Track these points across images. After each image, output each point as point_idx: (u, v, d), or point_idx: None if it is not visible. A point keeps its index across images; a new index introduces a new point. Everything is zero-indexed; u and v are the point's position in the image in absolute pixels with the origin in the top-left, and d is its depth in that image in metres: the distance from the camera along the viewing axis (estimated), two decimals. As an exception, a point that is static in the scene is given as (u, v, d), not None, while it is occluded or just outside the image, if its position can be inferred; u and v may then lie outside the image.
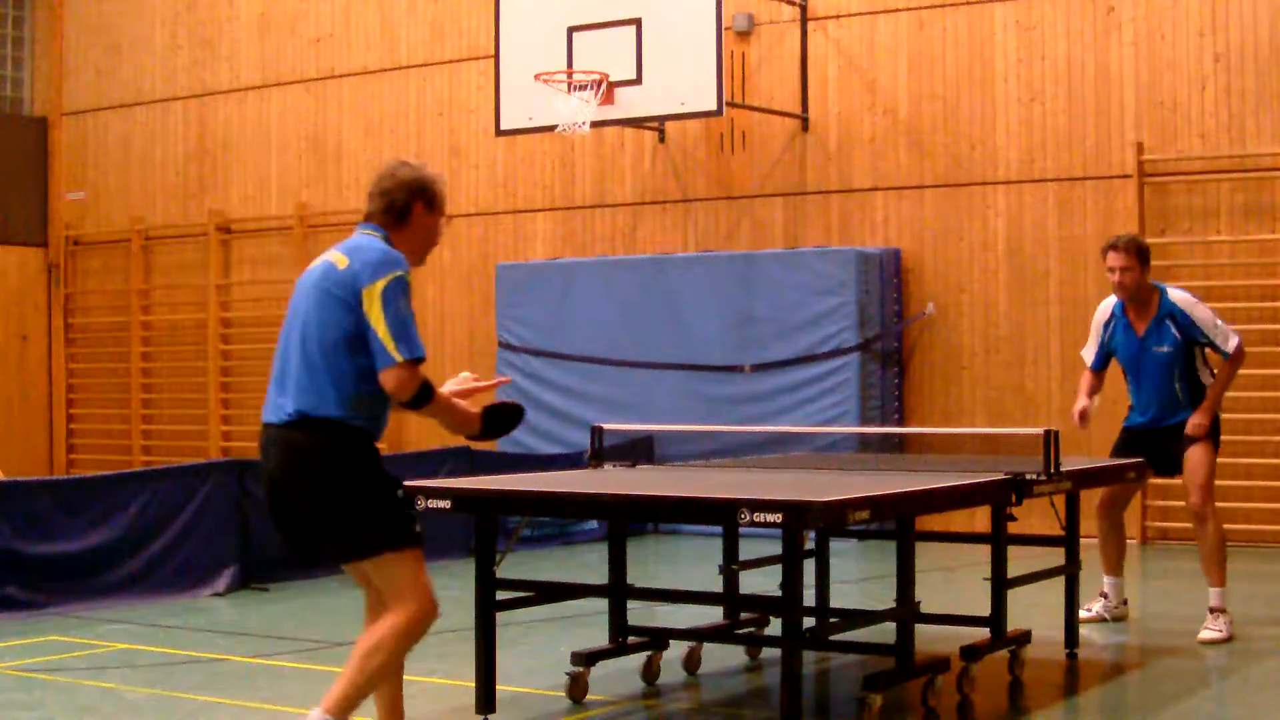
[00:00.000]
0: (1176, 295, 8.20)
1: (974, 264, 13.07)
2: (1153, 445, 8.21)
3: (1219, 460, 8.37)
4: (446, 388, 5.17)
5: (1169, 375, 8.13)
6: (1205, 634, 7.93)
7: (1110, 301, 8.35)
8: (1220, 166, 12.23)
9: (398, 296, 4.91)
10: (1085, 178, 12.66)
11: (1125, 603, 8.56)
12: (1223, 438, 8.18)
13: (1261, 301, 12.03)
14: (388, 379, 4.84)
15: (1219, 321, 8.16)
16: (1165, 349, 8.09)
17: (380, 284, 4.90)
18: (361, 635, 5.05)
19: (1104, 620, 8.41)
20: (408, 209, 5.17)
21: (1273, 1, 12.06)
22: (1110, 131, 12.56)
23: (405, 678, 5.29)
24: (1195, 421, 8.09)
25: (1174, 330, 8.08)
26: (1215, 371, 8.23)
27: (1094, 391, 8.39)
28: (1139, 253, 8.12)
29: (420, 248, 5.24)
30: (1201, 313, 8.12)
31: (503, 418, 5.22)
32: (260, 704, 6.56)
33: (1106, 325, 8.34)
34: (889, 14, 13.43)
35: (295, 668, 7.44)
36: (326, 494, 4.91)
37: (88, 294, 18.27)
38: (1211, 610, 8.01)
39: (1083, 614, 8.25)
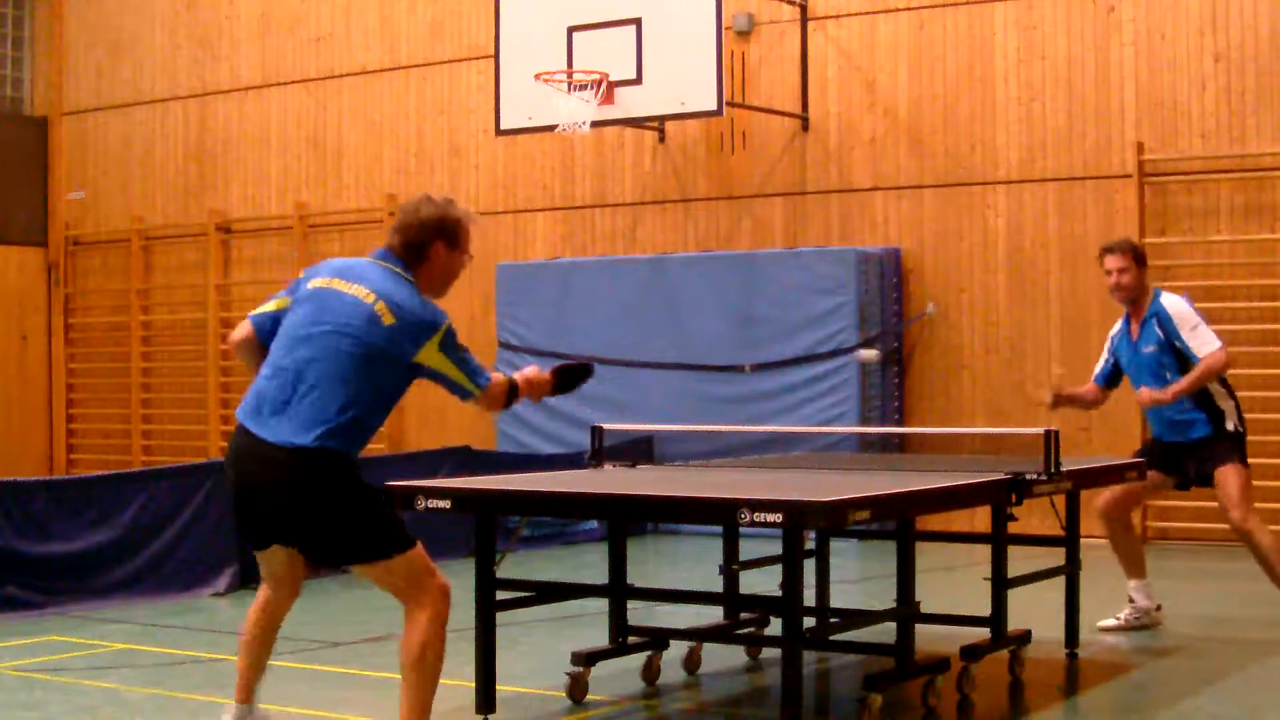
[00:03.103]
0: (1166, 298, 8.13)
1: (974, 264, 13.07)
2: (1172, 460, 8.15)
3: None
4: None
5: (1159, 376, 8.03)
6: None
7: (1122, 318, 8.31)
8: (1220, 166, 12.23)
9: (455, 342, 5.16)
10: (1085, 178, 12.66)
11: (1159, 607, 8.28)
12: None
13: (1261, 301, 12.03)
14: (480, 405, 5.31)
15: (1200, 326, 8.01)
16: (1151, 349, 8.04)
17: (435, 340, 5.10)
18: (400, 649, 5.15)
19: (1131, 627, 8.15)
20: (425, 248, 5.25)
21: (1273, 1, 12.06)
22: (1110, 131, 12.56)
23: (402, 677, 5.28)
24: (1142, 394, 8.03)
25: (1157, 329, 8.02)
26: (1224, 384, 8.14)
27: (1087, 395, 8.35)
28: (1135, 254, 8.09)
29: (440, 284, 5.34)
30: (1182, 314, 8.01)
31: (571, 375, 5.62)
32: (260, 704, 6.55)
33: (1114, 338, 8.31)
34: (889, 14, 13.42)
35: (295, 668, 7.43)
36: (341, 517, 5.08)
37: (88, 294, 18.27)
38: None
39: (1110, 622, 8.19)
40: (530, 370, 5.51)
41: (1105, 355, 8.38)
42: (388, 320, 5.06)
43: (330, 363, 5.05)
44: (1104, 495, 8.25)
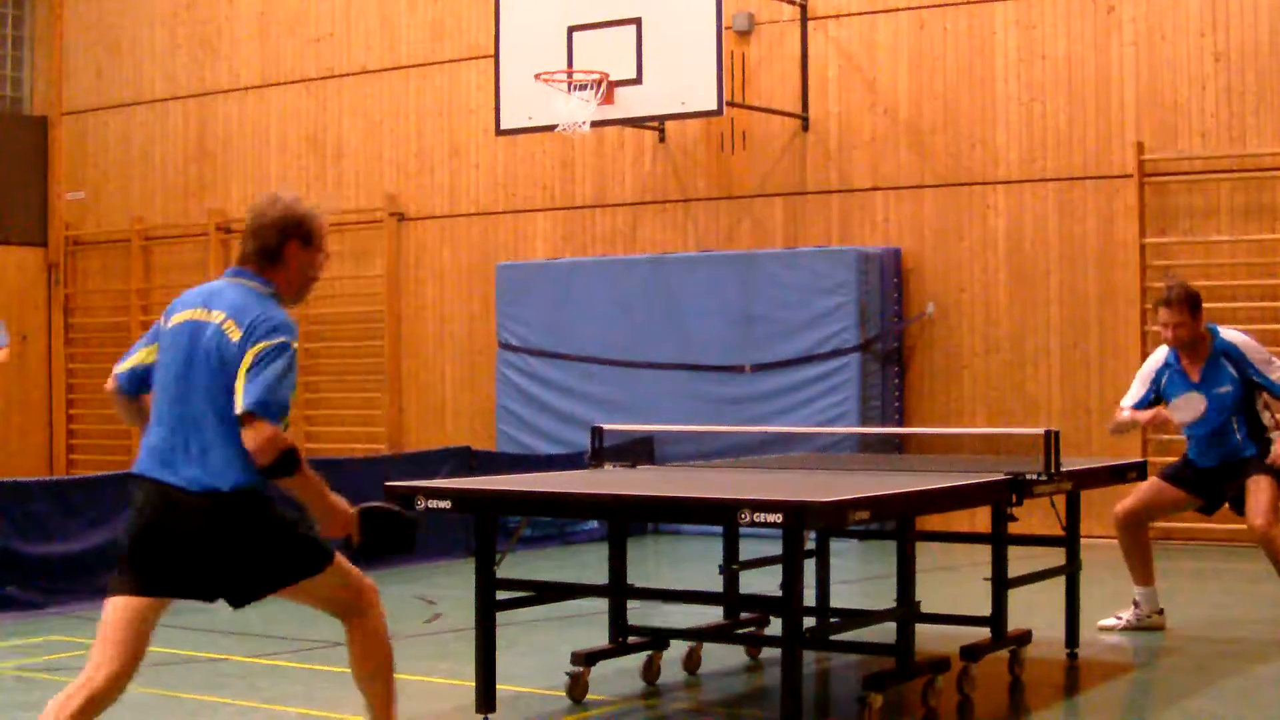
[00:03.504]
0: (1228, 334, 8.08)
1: (974, 264, 13.07)
2: (1209, 482, 8.09)
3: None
4: None
5: (1228, 416, 7.95)
6: None
7: (1161, 351, 8.18)
8: (1220, 166, 12.23)
9: (272, 358, 4.70)
10: (1085, 178, 12.66)
11: (1161, 611, 8.30)
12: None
13: (1261, 301, 12.03)
14: (246, 438, 4.63)
15: (1274, 359, 8.00)
16: (1226, 388, 7.92)
17: (262, 345, 4.71)
18: (354, 659, 5.07)
19: (1132, 628, 8.17)
20: (280, 249, 4.94)
21: (1273, 1, 12.06)
22: (1110, 131, 12.56)
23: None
24: (1278, 451, 7.82)
25: (1230, 369, 7.92)
26: (1274, 413, 8.03)
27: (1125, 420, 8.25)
28: (1190, 305, 7.94)
29: (299, 285, 5.01)
30: (1254, 349, 7.98)
31: (387, 526, 4.96)
32: (260, 704, 6.56)
33: (1159, 373, 8.11)
34: (889, 14, 13.42)
35: (295, 668, 7.44)
36: (268, 550, 4.85)
37: (88, 294, 18.27)
38: None
39: (1110, 622, 8.22)
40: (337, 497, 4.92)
41: (1145, 388, 8.15)
42: (234, 336, 4.76)
43: (212, 401, 4.77)
44: (1123, 504, 8.20)
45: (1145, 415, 8.12)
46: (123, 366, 5.02)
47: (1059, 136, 12.75)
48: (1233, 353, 7.96)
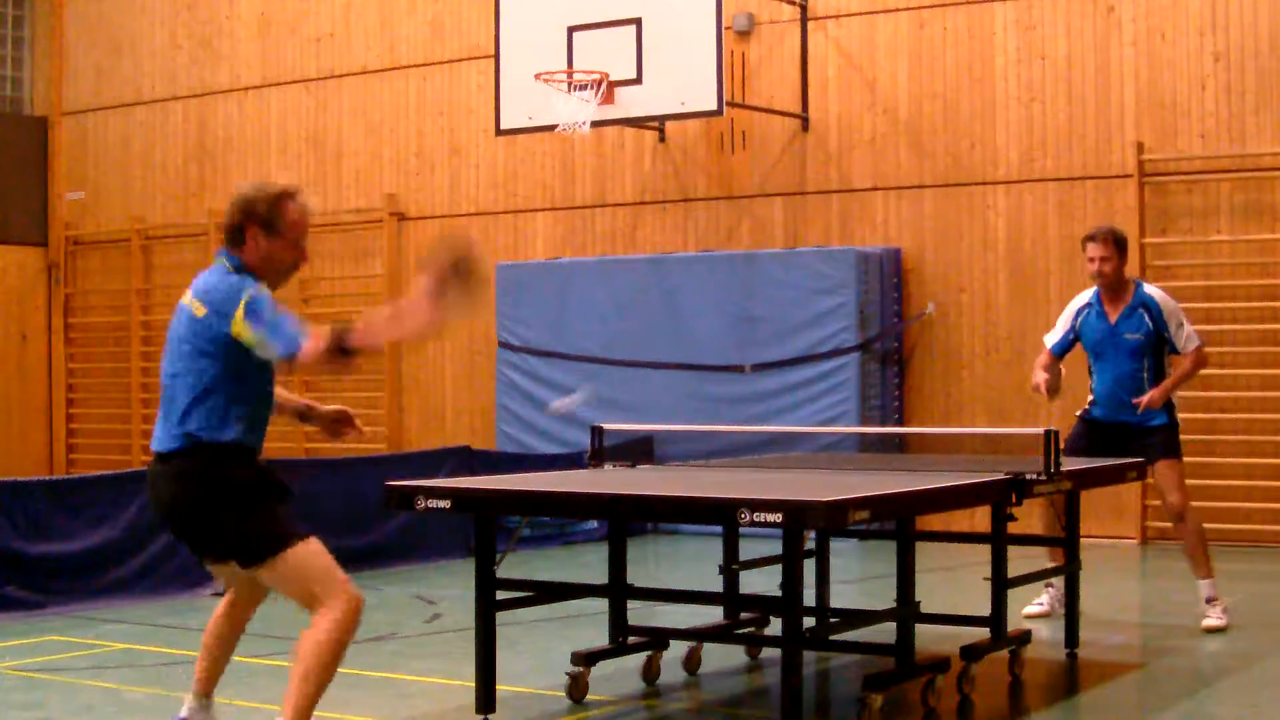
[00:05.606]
0: (1151, 289, 8.44)
1: (974, 264, 13.06)
2: (1115, 440, 8.27)
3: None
4: None
5: (1136, 363, 8.24)
6: (1208, 621, 8.09)
7: (1087, 293, 8.52)
8: (1220, 166, 12.23)
9: (256, 311, 4.92)
10: (1085, 178, 12.65)
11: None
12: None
13: (1261, 301, 12.03)
14: (295, 368, 4.92)
15: (1185, 323, 8.33)
16: (1137, 336, 8.25)
17: (237, 314, 4.95)
18: (299, 644, 5.04)
19: (1057, 614, 8.21)
20: (241, 231, 5.16)
21: (1273, 1, 12.06)
22: (1110, 131, 12.55)
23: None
24: (1150, 397, 8.14)
25: (1147, 319, 8.25)
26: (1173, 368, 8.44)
27: (1050, 370, 8.47)
28: (1116, 243, 8.34)
29: (265, 271, 5.15)
30: (1171, 309, 8.31)
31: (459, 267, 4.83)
32: (260, 704, 6.56)
33: (1079, 312, 8.47)
34: (889, 14, 13.42)
35: (295, 668, 7.42)
36: (212, 513, 5.07)
37: (88, 294, 18.27)
38: (1208, 600, 8.18)
39: (1031, 609, 8.28)
40: (383, 310, 5.02)
41: (1066, 327, 8.49)
42: (200, 312, 5.08)
43: (185, 372, 5.15)
44: None
45: (1041, 380, 8.32)
46: None
47: (1058, 136, 12.75)
48: (1152, 306, 8.30)
